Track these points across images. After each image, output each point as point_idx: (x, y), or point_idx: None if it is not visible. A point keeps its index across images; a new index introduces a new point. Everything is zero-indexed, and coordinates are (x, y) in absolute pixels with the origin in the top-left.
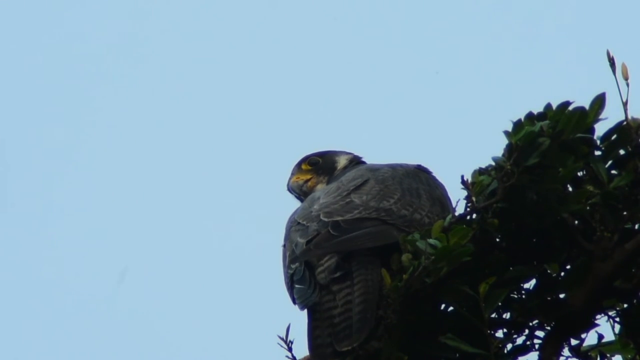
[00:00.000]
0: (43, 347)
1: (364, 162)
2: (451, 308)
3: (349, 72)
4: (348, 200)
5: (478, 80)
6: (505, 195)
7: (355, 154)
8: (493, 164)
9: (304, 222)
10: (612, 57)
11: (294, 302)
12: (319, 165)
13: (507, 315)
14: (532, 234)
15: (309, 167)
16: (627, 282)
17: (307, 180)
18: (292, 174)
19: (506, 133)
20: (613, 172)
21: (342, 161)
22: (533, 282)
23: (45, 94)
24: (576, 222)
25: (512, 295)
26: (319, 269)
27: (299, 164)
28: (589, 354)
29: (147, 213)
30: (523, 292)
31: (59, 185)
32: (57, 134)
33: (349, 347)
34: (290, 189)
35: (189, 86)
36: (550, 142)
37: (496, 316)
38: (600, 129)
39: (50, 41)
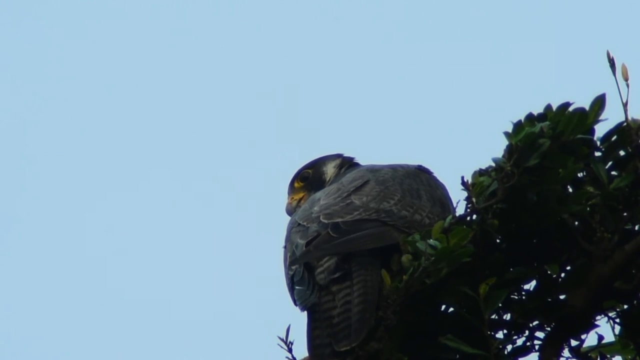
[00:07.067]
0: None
1: (356, 163)
2: (451, 309)
3: (349, 72)
4: (348, 201)
5: (478, 81)
6: (505, 196)
7: (345, 155)
8: (493, 165)
9: (304, 223)
10: (612, 57)
11: (295, 304)
12: (310, 180)
13: (507, 316)
14: (532, 235)
15: (301, 184)
16: (627, 283)
17: (299, 200)
18: (288, 194)
19: (506, 134)
20: (613, 173)
21: (330, 171)
22: (533, 283)
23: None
24: (576, 223)
25: (512, 296)
26: (319, 270)
27: (291, 183)
28: (589, 355)
29: (148, 214)
30: (523, 293)
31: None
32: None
33: (348, 347)
34: (289, 213)
35: (188, 86)
36: (551, 143)
37: (496, 317)
38: (600, 129)
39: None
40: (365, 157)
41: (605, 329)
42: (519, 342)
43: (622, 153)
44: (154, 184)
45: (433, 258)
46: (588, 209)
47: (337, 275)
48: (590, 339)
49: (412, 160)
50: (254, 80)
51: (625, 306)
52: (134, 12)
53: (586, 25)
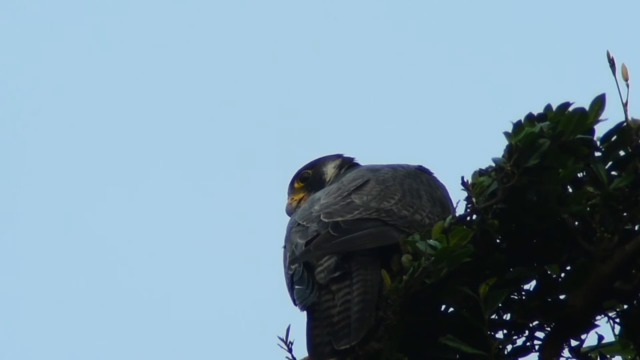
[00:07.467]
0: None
1: (356, 163)
2: (451, 309)
3: (349, 72)
4: (348, 200)
5: (478, 81)
6: (505, 196)
7: (345, 155)
8: (493, 165)
9: (304, 223)
10: (612, 57)
11: (295, 303)
12: (310, 180)
13: (507, 316)
14: (533, 235)
15: (301, 184)
16: (627, 283)
17: (299, 200)
18: (288, 194)
19: (506, 134)
20: (613, 173)
21: (330, 171)
22: (533, 283)
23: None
24: (576, 223)
25: (512, 296)
26: (318, 269)
27: (291, 183)
28: (589, 355)
29: (148, 213)
30: (523, 293)
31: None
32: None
33: (347, 346)
34: (289, 214)
35: (188, 86)
36: (551, 143)
37: (496, 317)
38: (600, 130)
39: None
40: (365, 157)
41: (605, 329)
42: (519, 342)
43: (622, 153)
44: (154, 184)
45: (433, 258)
46: (588, 209)
47: (336, 274)
48: (590, 339)
49: (412, 160)
50: (254, 80)
51: (625, 306)
52: (138, 11)
53: (586, 26)
